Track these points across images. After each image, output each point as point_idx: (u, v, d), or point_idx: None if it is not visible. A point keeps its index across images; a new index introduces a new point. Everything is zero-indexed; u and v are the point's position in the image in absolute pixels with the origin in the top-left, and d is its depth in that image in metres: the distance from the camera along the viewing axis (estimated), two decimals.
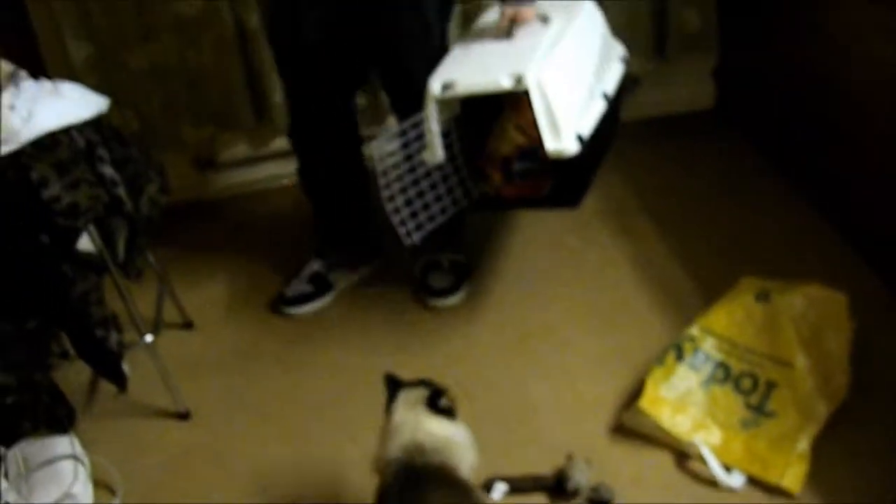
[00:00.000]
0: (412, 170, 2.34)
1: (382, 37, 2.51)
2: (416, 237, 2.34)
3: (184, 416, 2.50)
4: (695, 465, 2.10)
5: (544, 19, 2.38)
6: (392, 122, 2.62)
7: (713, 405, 2.17)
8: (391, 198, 2.32)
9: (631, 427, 2.21)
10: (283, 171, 3.47)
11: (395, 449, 1.74)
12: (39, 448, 2.26)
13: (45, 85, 2.20)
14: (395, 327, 2.68)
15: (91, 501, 2.25)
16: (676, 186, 3.13)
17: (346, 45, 2.52)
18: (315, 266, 2.86)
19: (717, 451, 2.08)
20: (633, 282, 2.71)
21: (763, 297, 2.26)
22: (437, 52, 2.43)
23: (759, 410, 2.13)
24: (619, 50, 2.58)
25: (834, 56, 2.67)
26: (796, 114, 2.95)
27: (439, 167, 2.36)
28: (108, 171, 2.20)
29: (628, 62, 2.58)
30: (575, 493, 2.06)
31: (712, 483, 2.05)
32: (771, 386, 2.14)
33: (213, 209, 3.49)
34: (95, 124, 2.22)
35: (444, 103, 2.29)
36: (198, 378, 2.62)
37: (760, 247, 2.75)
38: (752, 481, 2.04)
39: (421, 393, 1.82)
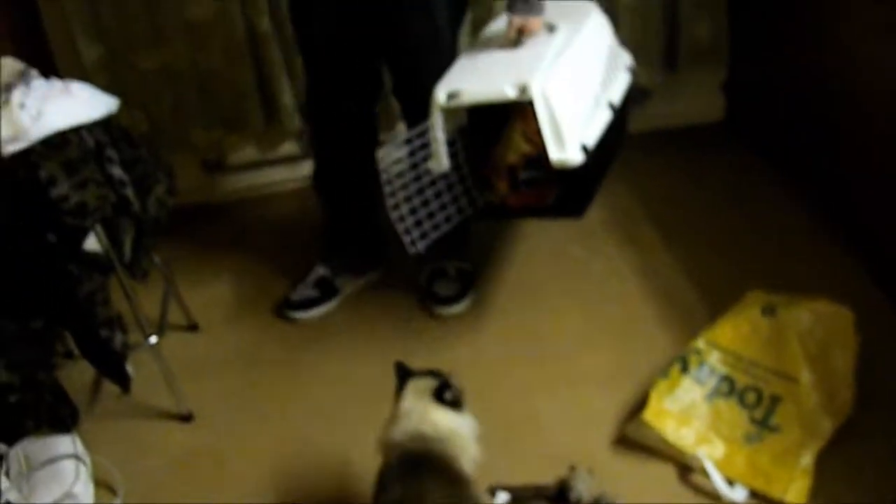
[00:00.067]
0: (418, 178, 2.34)
1: (393, 42, 2.52)
2: (421, 245, 2.34)
3: (186, 417, 2.50)
4: (698, 479, 2.09)
5: (551, 28, 2.38)
6: (402, 129, 2.62)
7: (717, 419, 2.16)
8: (396, 206, 2.33)
9: (634, 439, 2.20)
10: (292, 175, 3.48)
11: (400, 434, 1.82)
12: (41, 447, 2.26)
13: (56, 84, 2.21)
14: (399, 334, 2.68)
15: (92, 501, 2.25)
16: (684, 198, 3.13)
17: (362, 44, 2.52)
18: (321, 271, 2.86)
19: (721, 465, 2.07)
20: (638, 293, 2.71)
21: (769, 311, 2.25)
22: (447, 60, 2.43)
23: (763, 425, 2.12)
24: (625, 59, 2.57)
25: (844, 71, 2.67)
26: (805, 128, 2.95)
27: (445, 176, 2.36)
28: (116, 171, 2.20)
29: (635, 71, 2.58)
30: None
31: (715, 497, 2.04)
32: (775, 400, 2.14)
33: (221, 212, 3.49)
34: (105, 124, 2.22)
35: (450, 112, 2.29)
36: (201, 380, 2.61)
37: (767, 260, 2.74)
38: (755, 496, 2.04)
39: (429, 383, 1.88)
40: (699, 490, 2.07)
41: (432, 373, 1.93)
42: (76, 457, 2.26)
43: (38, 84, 2.17)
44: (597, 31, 2.49)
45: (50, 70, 2.44)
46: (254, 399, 2.56)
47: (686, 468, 2.12)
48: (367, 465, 1.90)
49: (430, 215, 2.36)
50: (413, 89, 2.52)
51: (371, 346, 2.66)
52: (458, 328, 2.69)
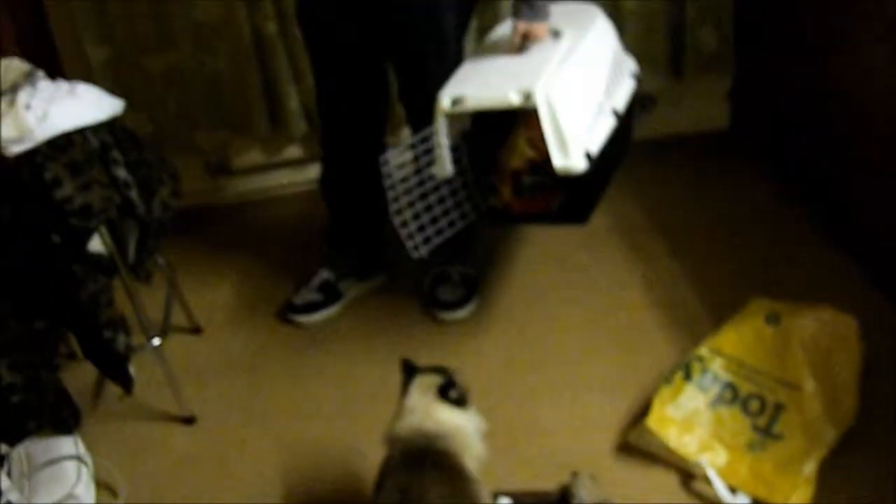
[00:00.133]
0: (421, 183, 2.34)
1: (399, 46, 2.52)
2: (423, 250, 2.34)
3: (188, 420, 2.50)
4: (700, 486, 2.08)
5: (556, 34, 2.38)
6: (407, 134, 2.62)
7: (720, 426, 2.16)
8: (399, 210, 2.33)
9: (637, 446, 2.20)
10: (297, 178, 3.48)
11: (405, 429, 1.84)
12: (43, 448, 2.26)
13: (62, 86, 2.21)
14: (402, 339, 2.67)
15: (93, 503, 2.25)
16: (688, 205, 3.12)
17: (368, 48, 2.53)
18: (325, 275, 2.86)
19: (723, 473, 2.07)
20: (642, 300, 2.70)
21: (773, 318, 2.25)
22: (452, 65, 2.43)
23: (766, 433, 2.11)
24: (630, 65, 2.57)
25: (850, 79, 2.67)
26: (810, 137, 2.95)
27: (448, 181, 2.36)
28: (121, 173, 2.21)
29: (639, 78, 2.58)
30: None
31: None
32: (779, 408, 2.13)
33: (225, 215, 3.49)
34: (110, 126, 2.23)
35: (454, 117, 2.29)
36: (204, 383, 2.62)
37: (771, 268, 2.74)
38: None
39: (434, 380, 1.90)
40: (701, 497, 2.07)
41: (438, 369, 1.94)
42: (78, 458, 2.26)
43: (44, 85, 2.17)
44: (602, 37, 2.49)
45: (56, 72, 2.45)
46: (256, 402, 2.56)
47: (688, 475, 2.11)
48: (369, 468, 1.90)
49: (434, 220, 2.36)
50: (418, 94, 2.52)
51: (374, 351, 2.66)
52: (460, 333, 2.68)
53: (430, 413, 1.85)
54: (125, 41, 3.20)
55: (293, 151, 3.48)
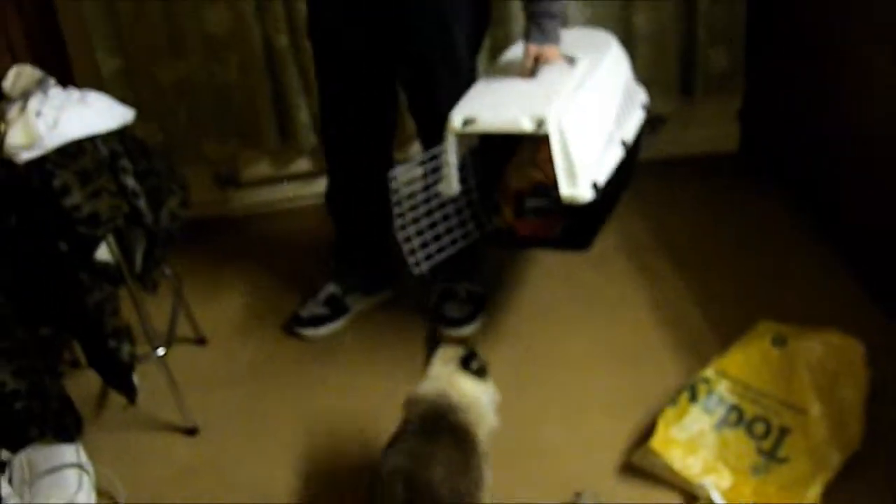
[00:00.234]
0: (427, 200, 2.35)
1: (409, 59, 2.52)
2: (425, 266, 2.34)
3: (191, 431, 2.50)
4: None
5: (571, 60, 2.38)
6: (415, 148, 2.62)
7: (724, 448, 2.14)
8: (403, 226, 2.33)
9: (641, 467, 2.18)
10: (305, 191, 3.48)
11: (424, 394, 1.94)
12: (45, 455, 2.26)
13: (73, 94, 2.22)
14: (407, 354, 2.66)
15: None
16: (697, 227, 3.12)
17: (379, 61, 2.53)
18: (331, 288, 2.85)
19: (727, 495, 2.05)
20: (649, 321, 2.70)
21: (779, 341, 2.25)
22: (462, 80, 2.44)
23: (770, 456, 2.10)
24: (641, 96, 2.58)
25: (861, 101, 2.67)
26: (821, 159, 2.94)
27: (454, 199, 2.36)
28: (130, 182, 2.21)
29: (649, 109, 2.58)
30: None
31: None
32: (784, 432, 2.12)
33: (233, 226, 3.50)
34: (120, 135, 2.23)
35: (462, 138, 2.29)
36: (207, 394, 2.61)
37: (779, 291, 2.73)
38: None
39: (457, 352, 2.02)
40: None
41: (461, 342, 2.10)
42: (79, 466, 2.26)
43: (55, 93, 2.18)
44: (616, 66, 2.49)
45: (68, 80, 2.45)
46: (259, 414, 2.55)
47: (692, 497, 2.10)
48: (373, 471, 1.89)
49: (437, 237, 2.37)
50: (428, 108, 2.53)
51: (379, 365, 2.65)
52: None
53: (452, 382, 1.95)
54: (137, 51, 3.22)
55: (302, 164, 3.49)
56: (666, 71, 3.32)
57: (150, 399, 2.52)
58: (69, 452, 2.27)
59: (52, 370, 2.31)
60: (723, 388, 2.23)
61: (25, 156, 2.05)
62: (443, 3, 2.42)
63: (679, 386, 2.31)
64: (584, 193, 2.16)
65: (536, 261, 3.02)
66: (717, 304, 2.71)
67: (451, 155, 2.27)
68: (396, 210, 2.32)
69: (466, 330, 2.72)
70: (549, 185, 2.25)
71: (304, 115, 3.30)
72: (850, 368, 2.19)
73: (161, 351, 2.45)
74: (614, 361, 2.56)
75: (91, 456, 2.32)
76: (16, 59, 2.54)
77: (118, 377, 2.33)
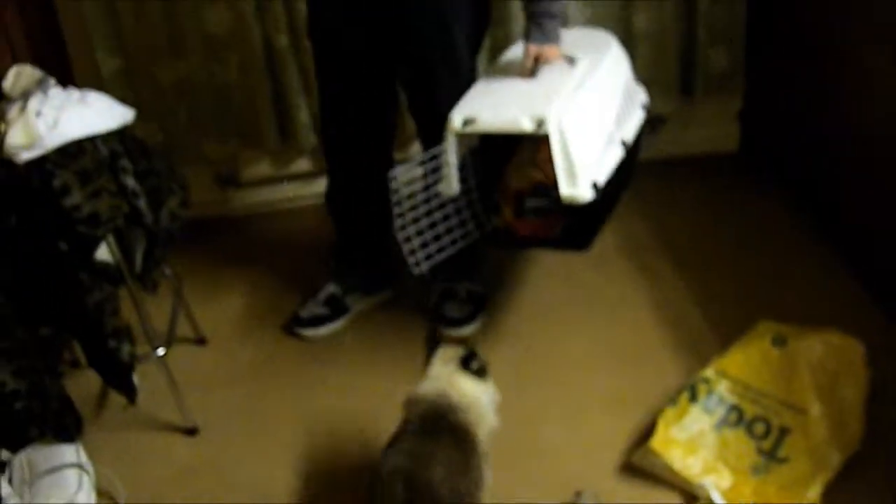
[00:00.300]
0: (427, 200, 2.35)
1: (408, 59, 2.52)
2: (424, 266, 2.35)
3: (191, 431, 2.50)
4: None
5: (571, 60, 2.38)
6: (416, 148, 2.62)
7: (724, 448, 2.14)
8: (403, 226, 2.33)
9: (641, 467, 2.18)
10: (306, 191, 3.48)
11: (424, 394, 1.95)
12: (45, 455, 2.26)
13: (73, 94, 2.22)
14: (408, 354, 2.66)
15: None
16: (697, 227, 3.12)
17: (379, 61, 2.53)
18: (332, 288, 2.85)
19: (727, 495, 2.05)
20: (649, 321, 2.70)
21: (780, 341, 2.25)
22: (462, 80, 2.44)
23: (770, 456, 2.10)
24: (641, 96, 2.58)
25: (861, 101, 2.67)
26: (821, 159, 2.94)
27: (454, 199, 2.36)
28: (130, 182, 2.21)
29: (649, 109, 2.58)
30: None
31: None
32: (784, 432, 2.12)
33: (233, 226, 3.50)
34: (120, 135, 2.23)
35: (462, 138, 2.29)
36: (207, 394, 2.61)
37: (778, 291, 2.73)
38: None
39: (457, 352, 2.03)
40: None
41: (461, 342, 2.12)
42: (79, 466, 2.26)
43: (55, 93, 2.18)
44: (616, 66, 2.49)
45: (68, 80, 2.45)
46: (259, 414, 2.55)
47: (692, 497, 2.10)
48: (372, 473, 1.89)
49: (437, 237, 2.37)
50: (428, 108, 2.53)
51: (378, 365, 2.65)
52: None
53: (452, 382, 1.96)
54: (137, 51, 3.22)
55: (303, 164, 3.49)
56: (666, 71, 3.32)
57: (150, 399, 2.52)
58: (69, 452, 2.27)
59: (52, 370, 2.31)
60: (723, 388, 2.23)
61: (25, 156, 2.05)
62: (443, 3, 2.42)
63: (679, 386, 2.31)
64: (584, 193, 2.16)
65: (536, 261, 3.02)
66: (717, 304, 2.71)
67: (451, 155, 2.27)
68: (396, 210, 2.32)
69: (466, 330, 2.72)
70: (549, 185, 2.25)
71: (304, 114, 3.30)
72: (851, 368, 2.19)
73: (161, 351, 2.45)
74: (614, 361, 2.56)
75: (91, 456, 2.32)
76: (16, 59, 2.54)
77: (118, 377, 2.33)
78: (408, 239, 2.34)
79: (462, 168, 2.33)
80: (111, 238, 2.21)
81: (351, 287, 2.86)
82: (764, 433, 2.14)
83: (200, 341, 2.84)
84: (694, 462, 2.12)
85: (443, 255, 2.37)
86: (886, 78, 2.50)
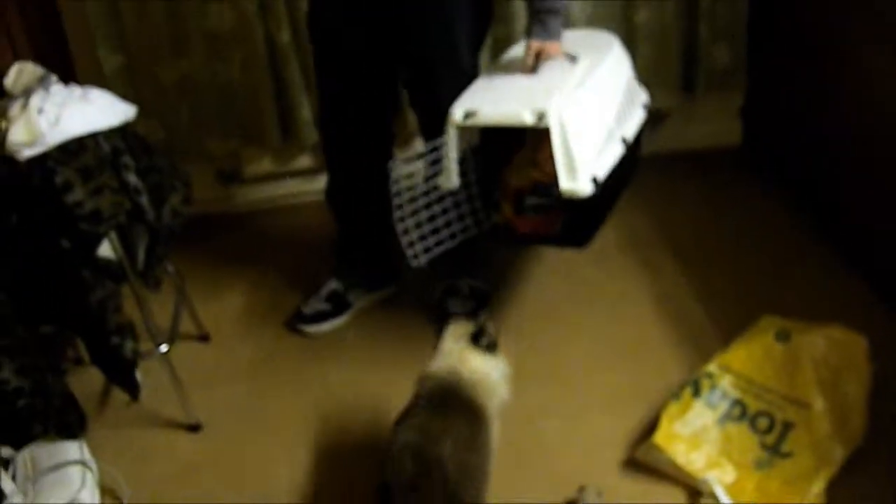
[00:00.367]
0: (426, 193, 2.35)
1: (409, 57, 2.52)
2: (423, 259, 2.35)
3: (195, 428, 2.50)
4: (707, 503, 2.07)
5: (572, 58, 2.39)
6: (418, 145, 2.62)
7: (728, 443, 2.14)
8: (402, 218, 2.33)
9: (644, 462, 2.18)
10: (308, 188, 3.48)
11: (436, 370, 1.99)
12: (48, 452, 2.26)
13: (75, 91, 2.22)
14: (410, 350, 2.66)
15: None
16: (699, 223, 3.12)
17: (379, 58, 2.52)
18: (334, 285, 2.85)
19: (731, 490, 2.05)
20: (651, 316, 2.70)
21: (783, 336, 2.24)
22: (464, 76, 2.44)
23: (774, 451, 2.10)
24: (642, 96, 2.58)
25: (863, 97, 2.66)
26: (822, 155, 2.94)
27: (453, 193, 2.37)
28: (132, 178, 2.21)
29: (650, 109, 2.59)
30: None
31: None
32: (787, 426, 2.12)
33: (235, 223, 3.50)
34: (122, 132, 2.23)
35: (463, 131, 2.29)
36: (210, 391, 2.61)
37: (780, 286, 2.73)
38: None
39: (467, 328, 2.06)
40: None
41: (472, 315, 2.18)
42: (83, 463, 2.26)
43: (57, 90, 2.18)
44: (617, 65, 2.50)
45: (70, 77, 2.45)
46: (262, 411, 2.55)
47: (696, 492, 2.10)
48: (375, 477, 1.89)
49: (435, 231, 2.37)
50: (429, 106, 2.52)
51: (381, 361, 2.65)
52: None
53: (462, 359, 1.99)
54: (139, 49, 3.22)
55: (305, 160, 3.49)
56: (668, 67, 3.32)
57: (153, 396, 2.53)
58: (72, 449, 2.28)
59: (55, 368, 2.32)
60: (726, 382, 2.23)
61: (27, 153, 2.05)
62: (444, 2, 2.42)
63: (682, 381, 2.31)
64: (584, 187, 2.17)
65: (539, 257, 3.02)
66: (719, 299, 2.71)
67: (451, 149, 2.28)
68: (395, 201, 2.32)
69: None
70: (549, 184, 2.25)
71: (306, 111, 3.29)
72: (854, 363, 2.19)
73: (164, 348, 2.45)
74: (617, 357, 2.56)
75: (94, 453, 2.33)
76: (18, 57, 2.55)
77: (121, 374, 2.34)
78: (406, 231, 2.34)
79: (462, 162, 2.33)
80: (113, 235, 2.21)
81: (353, 283, 2.86)
82: (767, 428, 2.14)
83: (203, 338, 2.84)
84: (697, 457, 2.12)
85: (441, 249, 2.37)
86: (887, 76, 2.50)
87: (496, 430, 1.95)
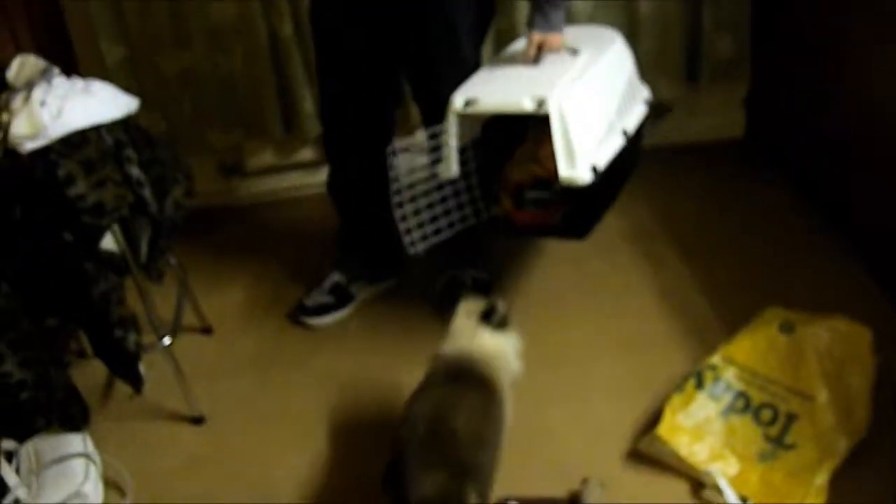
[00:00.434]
0: (426, 180, 2.35)
1: (412, 51, 2.51)
2: (420, 247, 2.35)
3: (198, 420, 2.50)
4: (710, 495, 2.07)
5: (574, 52, 2.39)
6: (421, 136, 2.62)
7: (731, 435, 2.14)
8: (400, 203, 2.33)
9: (648, 454, 2.18)
10: (310, 180, 3.48)
11: (449, 348, 2.04)
12: (52, 445, 2.26)
13: (77, 83, 2.21)
14: (413, 342, 2.66)
15: (101, 501, 2.24)
16: (702, 214, 3.11)
17: (381, 51, 2.52)
18: (336, 277, 2.85)
19: (734, 482, 2.05)
20: (655, 308, 2.69)
21: (787, 328, 2.24)
22: (466, 70, 2.43)
23: (777, 443, 2.10)
24: (644, 93, 2.58)
25: (867, 88, 2.66)
26: (826, 146, 2.93)
27: (452, 182, 2.36)
28: (134, 171, 2.20)
29: (653, 102, 2.59)
30: None
31: None
32: (791, 418, 2.12)
33: (238, 215, 3.50)
34: (124, 124, 2.23)
35: (465, 124, 2.29)
36: (214, 383, 2.61)
37: (785, 278, 2.72)
38: None
39: (478, 305, 2.10)
40: None
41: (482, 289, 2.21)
42: (86, 456, 2.26)
43: (60, 82, 2.17)
44: (619, 60, 2.51)
45: (72, 70, 2.45)
46: (265, 403, 2.55)
47: (699, 484, 2.10)
48: (380, 469, 1.89)
49: (434, 218, 2.37)
50: (432, 99, 2.51)
51: (384, 353, 2.65)
52: None
53: (474, 336, 2.04)
54: (141, 41, 3.22)
55: (307, 153, 3.48)
56: (671, 58, 3.31)
57: (156, 388, 2.52)
58: (76, 442, 2.28)
59: (58, 360, 2.31)
60: (730, 374, 2.23)
61: (29, 146, 2.05)
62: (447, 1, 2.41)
63: (685, 372, 2.30)
64: (583, 175, 2.16)
65: (542, 249, 3.01)
66: (723, 291, 2.70)
67: (451, 137, 2.28)
68: (394, 186, 2.32)
69: None
70: (550, 179, 2.25)
71: (308, 104, 3.29)
72: (858, 355, 2.19)
73: (167, 340, 2.45)
74: (620, 349, 2.56)
75: (98, 445, 2.33)
76: (20, 49, 2.54)
77: (124, 367, 2.33)
78: (404, 218, 2.34)
79: (462, 152, 2.33)
80: (116, 228, 2.21)
81: (355, 275, 2.86)
82: (771, 420, 2.14)
83: (206, 330, 2.84)
84: (700, 449, 2.12)
85: (439, 238, 2.37)
86: (891, 68, 2.49)
87: (509, 405, 1.98)
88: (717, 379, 2.22)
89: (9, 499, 2.07)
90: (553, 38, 2.36)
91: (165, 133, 3.28)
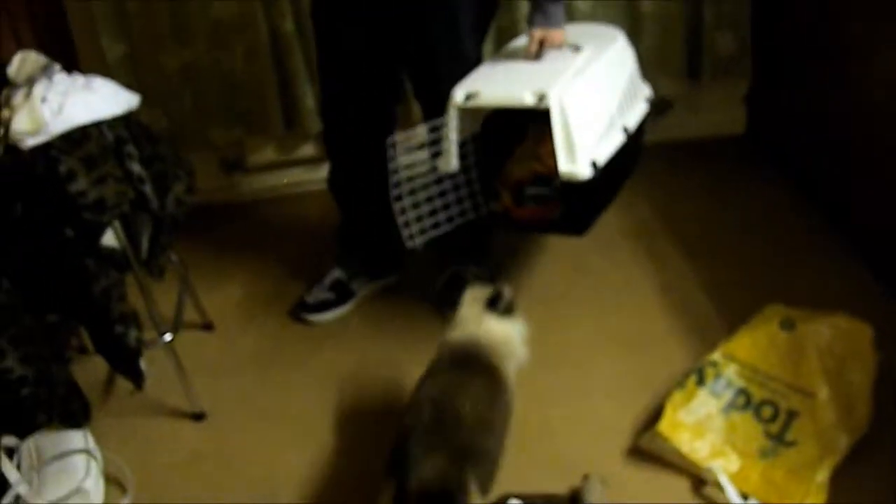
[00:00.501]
0: (425, 174, 2.35)
1: (414, 48, 2.51)
2: (418, 241, 2.35)
3: (199, 416, 2.50)
4: (711, 492, 2.07)
5: (576, 48, 2.39)
6: (421, 130, 2.62)
7: (732, 432, 2.14)
8: (399, 196, 2.33)
9: (649, 450, 2.18)
10: (311, 176, 3.48)
11: (455, 335, 2.05)
12: (53, 441, 2.26)
13: (78, 80, 2.21)
14: (414, 338, 2.66)
15: (102, 498, 2.25)
16: (703, 211, 3.11)
17: (383, 51, 2.51)
18: (337, 273, 2.85)
19: (735, 479, 2.05)
20: (656, 305, 2.69)
21: (788, 325, 2.24)
22: (468, 68, 2.43)
23: (778, 439, 2.10)
24: (645, 91, 2.58)
25: (868, 86, 2.65)
26: (827, 143, 2.93)
27: (452, 177, 2.36)
28: (135, 167, 2.20)
29: (654, 99, 2.59)
30: None
31: None
32: (792, 415, 2.12)
33: (239, 212, 3.50)
34: (125, 121, 2.22)
35: (465, 120, 2.29)
36: (215, 380, 2.61)
37: (785, 275, 2.73)
38: None
39: (484, 292, 2.11)
40: (712, 503, 2.05)
41: (488, 277, 2.26)
42: (87, 452, 2.26)
43: (60, 78, 2.17)
44: (620, 57, 2.50)
45: (73, 66, 2.45)
46: (266, 399, 2.55)
47: (700, 481, 2.10)
48: (381, 466, 1.89)
49: (433, 212, 2.37)
50: (433, 96, 2.51)
51: (385, 350, 2.65)
52: None
53: (480, 323, 2.05)
54: (142, 37, 3.21)
55: (308, 149, 3.48)
56: (673, 54, 3.31)
57: (157, 385, 2.52)
58: (77, 438, 2.28)
59: (59, 356, 2.31)
60: (731, 371, 2.23)
61: (30, 142, 2.04)
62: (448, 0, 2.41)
63: (686, 369, 2.30)
64: (583, 170, 2.16)
65: (543, 246, 3.01)
66: (724, 288, 2.70)
67: (451, 131, 2.27)
68: (393, 179, 2.32)
69: None
70: (550, 176, 2.25)
71: (309, 100, 3.29)
72: (859, 352, 2.18)
73: (168, 336, 2.45)
74: (621, 346, 2.56)
75: (99, 441, 2.33)
76: (21, 45, 2.54)
77: (125, 363, 2.33)
78: (403, 211, 2.34)
79: (462, 146, 2.33)
80: (117, 224, 2.21)
81: (356, 272, 2.86)
82: (772, 416, 2.14)
83: (207, 327, 2.85)
84: (701, 446, 2.12)
85: (437, 232, 2.37)
86: (892, 64, 2.49)
87: (514, 391, 1.99)
88: (718, 376, 2.22)
89: (10, 495, 2.07)
90: (554, 35, 2.36)
91: (167, 129, 3.28)
